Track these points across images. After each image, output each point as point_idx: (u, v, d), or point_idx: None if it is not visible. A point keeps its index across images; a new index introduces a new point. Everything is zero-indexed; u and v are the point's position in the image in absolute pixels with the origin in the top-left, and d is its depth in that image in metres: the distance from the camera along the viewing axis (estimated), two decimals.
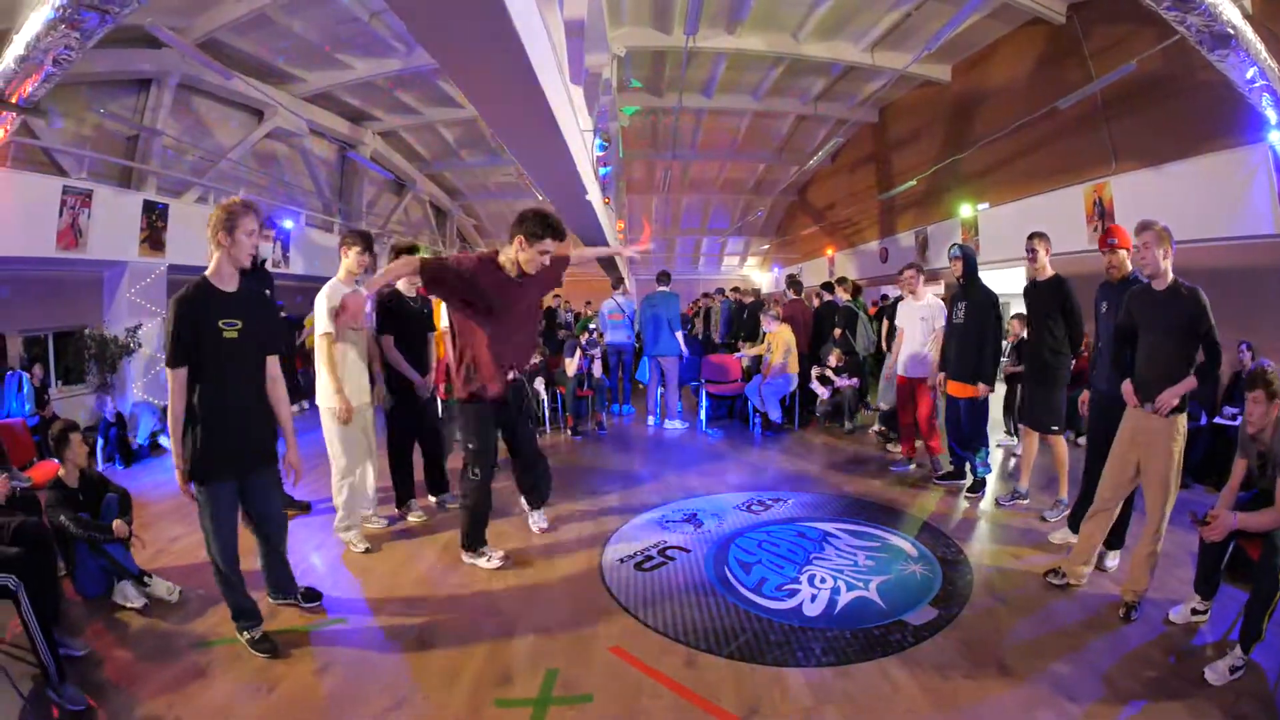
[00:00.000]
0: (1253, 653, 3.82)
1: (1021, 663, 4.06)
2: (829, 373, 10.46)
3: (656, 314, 10.56)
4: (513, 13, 4.11)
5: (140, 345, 10.87)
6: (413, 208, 24.30)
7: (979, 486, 7.21)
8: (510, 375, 5.44)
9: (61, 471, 5.06)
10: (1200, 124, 9.19)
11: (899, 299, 9.65)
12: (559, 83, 6.46)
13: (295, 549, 5.33)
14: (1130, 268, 5.56)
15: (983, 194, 14.61)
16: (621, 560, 5.69)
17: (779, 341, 10.10)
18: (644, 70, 16.03)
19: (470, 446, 5.46)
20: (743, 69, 15.99)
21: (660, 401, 11.05)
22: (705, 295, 18.93)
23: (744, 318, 14.00)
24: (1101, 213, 10.55)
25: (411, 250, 6.72)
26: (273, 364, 4.32)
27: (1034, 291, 6.48)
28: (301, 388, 10.77)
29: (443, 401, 7.63)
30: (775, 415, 10.19)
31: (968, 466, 7.34)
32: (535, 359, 9.58)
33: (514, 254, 5.15)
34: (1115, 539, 5.24)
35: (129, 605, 4.82)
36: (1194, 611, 4.49)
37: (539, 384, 10.12)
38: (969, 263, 7.10)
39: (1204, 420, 8.11)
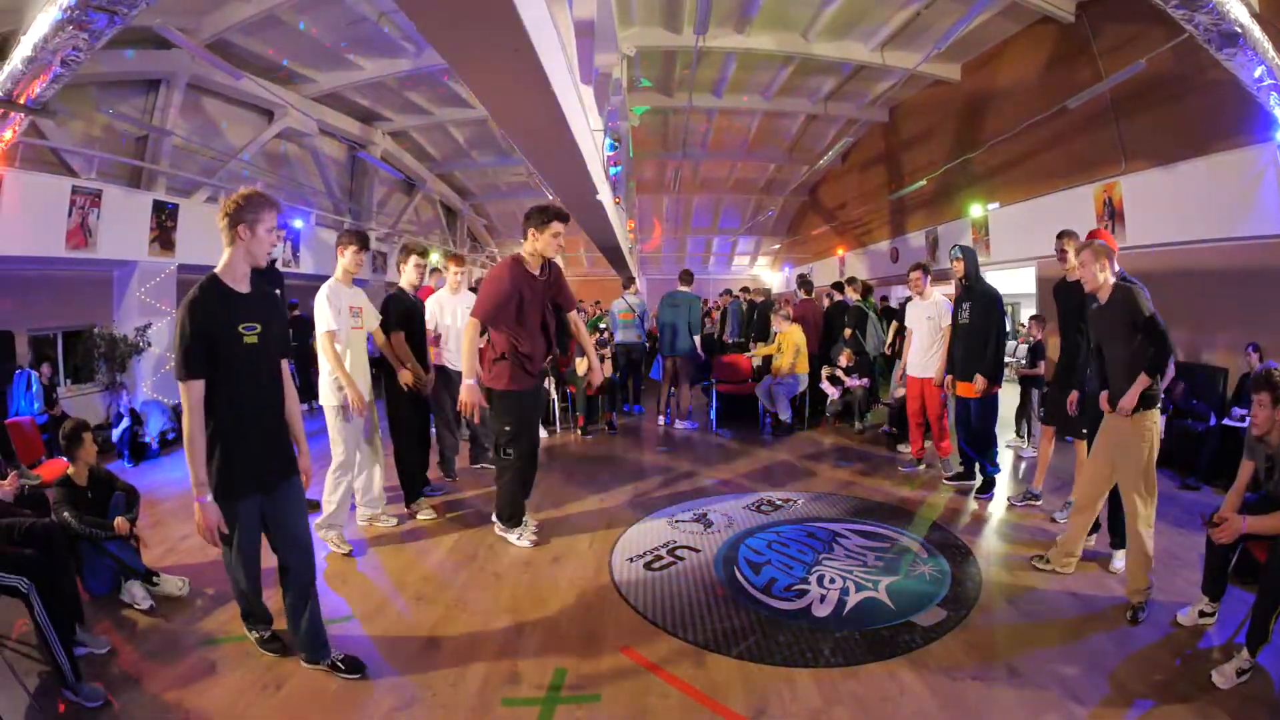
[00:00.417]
0: (1260, 656, 3.81)
1: (1029, 665, 4.05)
2: (839, 373, 10.45)
3: (677, 314, 10.54)
4: (523, 13, 4.12)
5: (150, 344, 10.90)
6: (423, 207, 24.32)
7: (988, 487, 7.19)
8: (537, 368, 5.84)
9: (71, 470, 5.07)
10: (1209, 123, 9.15)
11: (907, 299, 9.65)
12: (569, 83, 6.46)
13: None
14: (1117, 268, 5.58)
15: (993, 194, 14.58)
16: (631, 560, 5.69)
17: (789, 341, 10.08)
18: (654, 70, 16.02)
19: (506, 427, 5.79)
20: (753, 68, 15.95)
21: (671, 401, 11.04)
22: (727, 293, 18.85)
23: (754, 318, 13.99)
24: (1112, 212, 10.52)
25: (424, 253, 6.84)
26: (284, 368, 3.99)
27: (1065, 291, 6.41)
28: (314, 387, 10.81)
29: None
30: (785, 415, 10.18)
31: (977, 467, 7.32)
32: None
33: (531, 247, 5.61)
34: (1122, 540, 5.23)
35: (136, 605, 4.83)
36: (1201, 613, 4.47)
37: (548, 383, 10.13)
38: (970, 262, 7.10)
39: (1213, 421, 8.08)
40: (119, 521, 4.96)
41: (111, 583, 4.97)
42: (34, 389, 8.85)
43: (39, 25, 6.49)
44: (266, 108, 13.96)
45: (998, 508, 6.94)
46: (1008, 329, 7.09)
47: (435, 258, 20.67)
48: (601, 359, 10.87)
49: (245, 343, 3.59)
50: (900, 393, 8.93)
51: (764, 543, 6.01)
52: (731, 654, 4.23)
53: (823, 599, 4.93)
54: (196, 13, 10.18)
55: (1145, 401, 4.73)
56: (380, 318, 6.37)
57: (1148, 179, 10.02)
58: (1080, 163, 11.72)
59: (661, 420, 11.08)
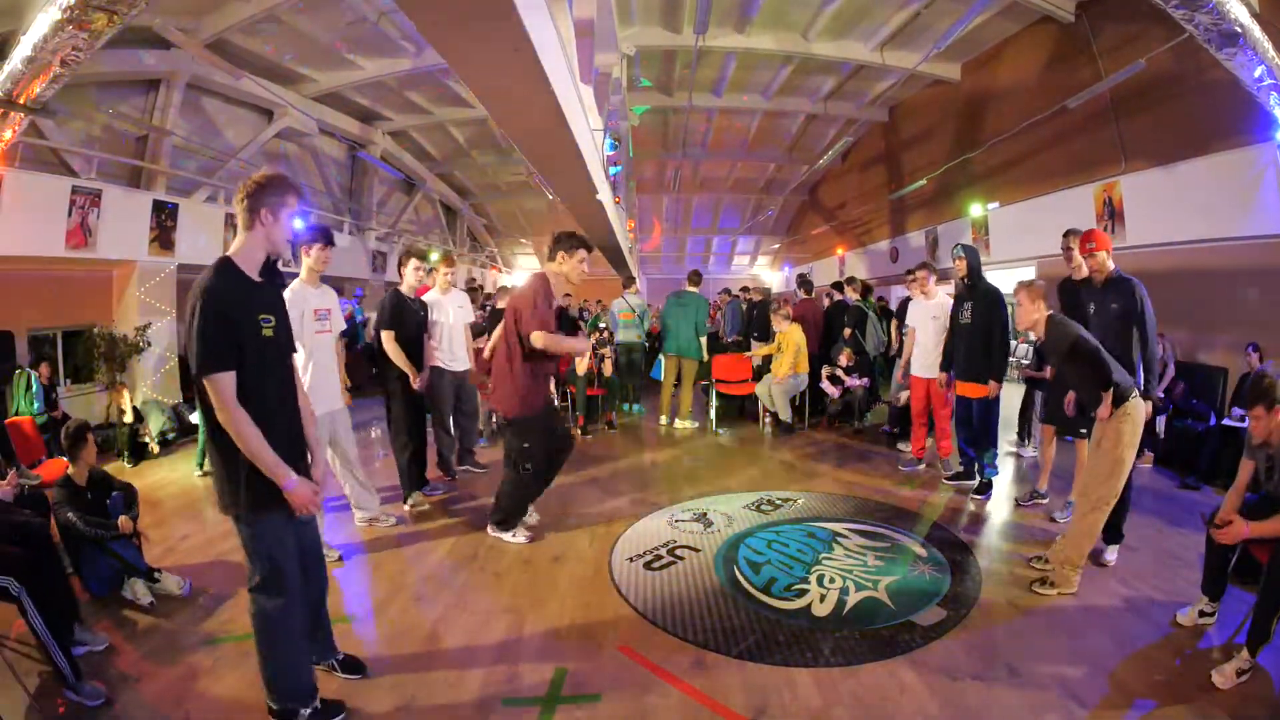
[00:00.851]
0: (1260, 656, 3.81)
1: (1029, 664, 4.05)
2: (839, 372, 10.45)
3: (684, 314, 10.54)
4: (522, 13, 4.12)
5: (149, 344, 10.90)
6: (423, 207, 24.33)
7: (985, 488, 7.17)
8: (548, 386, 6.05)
9: (72, 470, 5.08)
10: (1209, 123, 9.16)
11: (906, 299, 9.65)
12: (569, 82, 6.46)
13: None
14: (1111, 266, 5.62)
15: (993, 193, 14.58)
16: (631, 559, 5.69)
17: (790, 341, 10.08)
18: (654, 70, 16.03)
19: (525, 447, 5.89)
20: (753, 68, 15.97)
21: (673, 401, 11.03)
22: (726, 292, 18.83)
23: (753, 317, 13.97)
24: (1111, 212, 10.52)
25: (423, 257, 6.89)
26: (295, 367, 3.67)
27: (1068, 290, 6.42)
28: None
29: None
30: (785, 415, 10.18)
31: (976, 467, 7.32)
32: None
33: (557, 268, 5.82)
34: (1114, 534, 5.24)
35: (138, 603, 4.84)
36: (1201, 613, 4.47)
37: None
38: (973, 261, 7.09)
39: (1213, 421, 8.09)
40: (123, 520, 4.98)
41: (112, 583, 4.97)
42: (34, 389, 8.85)
43: (39, 25, 6.49)
44: (266, 107, 14.00)
45: (998, 507, 6.94)
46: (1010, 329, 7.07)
47: (435, 257, 20.74)
48: (601, 359, 10.88)
49: (263, 335, 3.31)
50: (905, 395, 8.94)
51: (764, 542, 6.01)
52: (731, 654, 4.23)
53: (823, 598, 4.92)
54: (196, 13, 10.18)
55: (1117, 399, 4.77)
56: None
57: (1148, 179, 10.02)
58: (1080, 162, 11.72)
59: (662, 420, 11.07)
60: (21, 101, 7.18)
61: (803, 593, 5.02)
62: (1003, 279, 7.17)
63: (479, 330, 8.70)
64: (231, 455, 3.22)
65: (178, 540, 6.16)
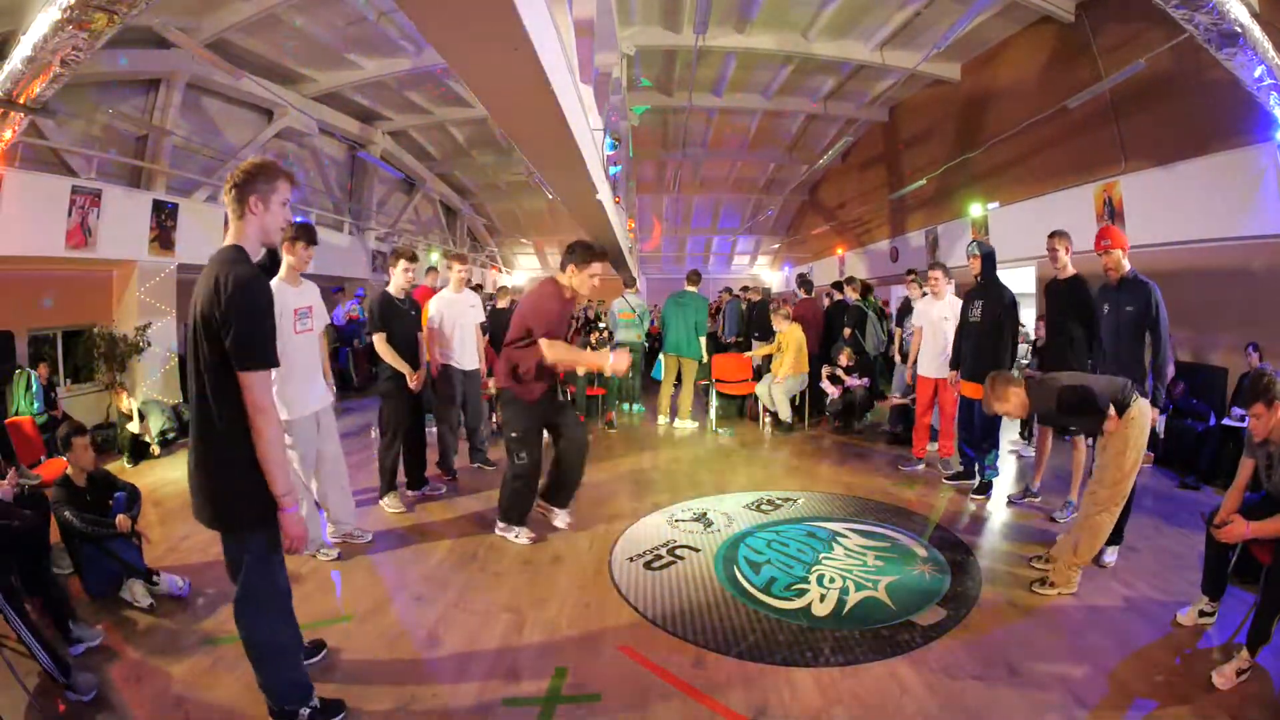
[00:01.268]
0: (1259, 656, 3.81)
1: (1029, 664, 4.06)
2: (839, 372, 10.45)
3: (684, 314, 10.54)
4: (522, 12, 4.11)
5: (149, 344, 10.90)
6: (423, 207, 24.33)
7: (985, 489, 7.17)
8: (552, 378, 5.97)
9: (70, 469, 5.07)
10: (1209, 123, 9.15)
11: (905, 299, 9.66)
12: (569, 82, 6.44)
13: None
14: (1127, 267, 5.58)
15: (993, 193, 14.58)
16: (631, 559, 5.69)
17: (790, 341, 10.08)
18: (654, 69, 16.02)
19: (514, 435, 5.89)
20: (753, 68, 15.96)
21: (672, 401, 11.03)
22: (727, 291, 18.82)
23: (753, 317, 13.98)
24: (1111, 212, 10.52)
25: (412, 258, 6.88)
26: None
27: (1054, 290, 6.47)
28: None
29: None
30: (785, 414, 10.18)
31: (976, 468, 7.31)
32: None
33: (567, 280, 5.78)
34: (1114, 535, 5.23)
35: (137, 604, 4.83)
36: (1201, 613, 4.47)
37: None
38: (988, 261, 7.06)
39: (1212, 421, 8.09)
40: (121, 519, 4.97)
41: (111, 583, 4.96)
42: (34, 389, 8.85)
43: (39, 25, 6.49)
44: (266, 107, 14.01)
45: (997, 507, 6.94)
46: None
47: (435, 257, 20.73)
48: None
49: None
50: (902, 391, 8.95)
51: (764, 542, 6.01)
52: (731, 653, 4.23)
53: (823, 598, 4.93)
54: (196, 12, 10.18)
55: (1119, 409, 4.76)
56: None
57: (1148, 179, 10.02)
58: (1080, 162, 11.72)
59: (661, 420, 11.07)
60: (21, 101, 7.18)
61: (803, 592, 5.02)
62: (1003, 279, 7.15)
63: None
64: (244, 464, 3.09)
65: (178, 540, 6.15)
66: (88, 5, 6.29)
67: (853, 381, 10.31)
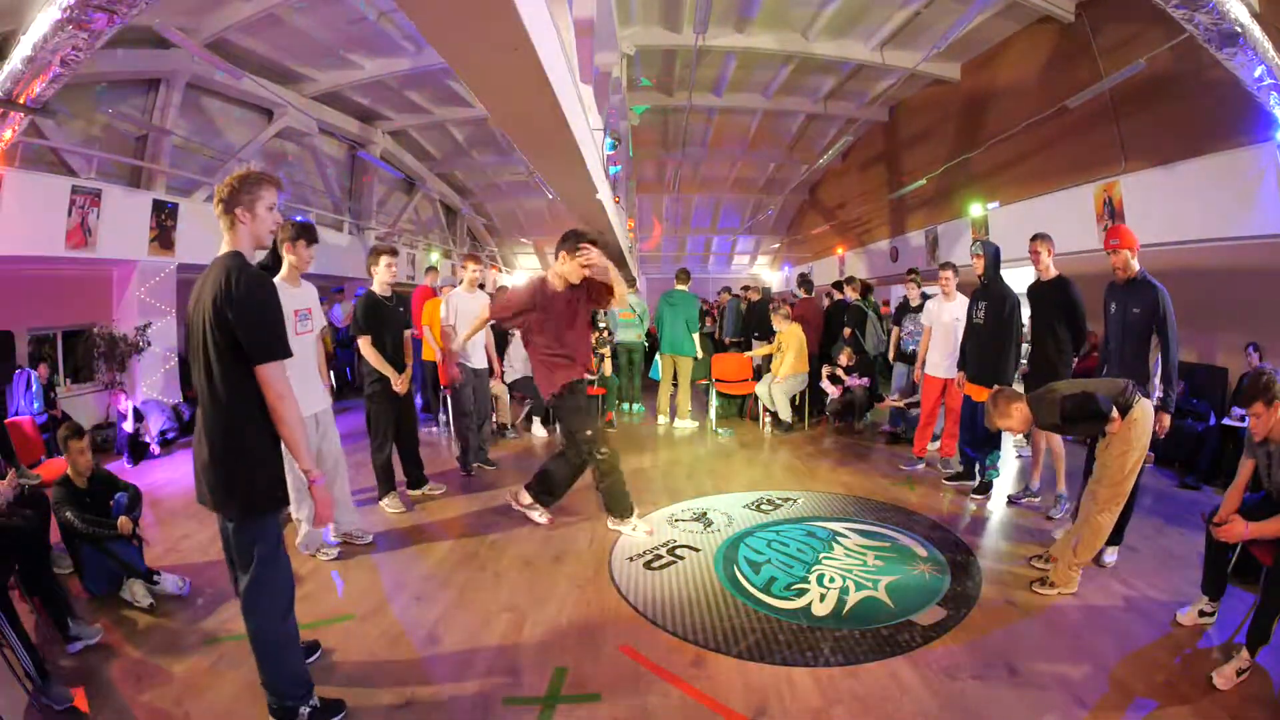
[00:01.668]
0: (1259, 656, 3.81)
1: (1030, 664, 4.06)
2: (839, 372, 10.44)
3: (675, 313, 10.54)
4: (522, 12, 4.12)
5: (149, 344, 10.90)
6: (423, 207, 24.31)
7: (985, 489, 7.18)
8: (573, 368, 6.04)
9: (70, 470, 5.08)
10: (1209, 123, 9.13)
11: (904, 299, 9.66)
12: (569, 82, 6.46)
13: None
14: (1136, 268, 5.57)
15: (993, 193, 14.55)
16: (631, 559, 5.70)
17: (790, 340, 10.08)
18: (654, 69, 16.01)
19: (587, 434, 6.02)
20: (753, 67, 15.94)
21: (671, 401, 11.03)
22: (726, 291, 18.82)
23: (752, 317, 13.97)
24: (1111, 212, 10.50)
25: (393, 252, 6.83)
26: None
27: (1038, 291, 6.53)
28: None
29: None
30: (785, 414, 10.18)
31: (977, 468, 7.31)
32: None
33: (559, 269, 5.88)
34: (1114, 535, 5.23)
35: (137, 604, 4.83)
36: (1201, 613, 4.48)
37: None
38: (992, 260, 7.05)
39: (1212, 421, 8.09)
40: (122, 521, 4.98)
41: (111, 583, 4.97)
42: (33, 389, 8.85)
43: (38, 25, 6.48)
44: (266, 107, 13.98)
45: (997, 507, 6.95)
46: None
47: (435, 257, 20.72)
48: (601, 358, 10.88)
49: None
50: (902, 390, 8.95)
51: (764, 542, 6.02)
52: (731, 653, 4.23)
53: (823, 598, 4.93)
54: (196, 12, 10.18)
55: (1122, 411, 4.75)
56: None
57: (1147, 178, 9.99)
58: (1080, 162, 11.69)
59: (661, 419, 11.08)
60: (21, 101, 7.18)
61: (803, 592, 5.03)
62: (1003, 278, 7.15)
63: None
64: (258, 453, 3.32)
65: (178, 540, 6.16)
66: (87, 5, 6.29)
67: (853, 381, 10.31)
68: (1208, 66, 8.34)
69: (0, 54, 6.95)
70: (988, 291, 7.01)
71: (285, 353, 3.29)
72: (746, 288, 17.59)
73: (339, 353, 14.82)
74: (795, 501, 7.11)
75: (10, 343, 9.48)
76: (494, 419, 9.85)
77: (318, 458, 5.54)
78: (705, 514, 6.77)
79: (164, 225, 10.99)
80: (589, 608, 4.88)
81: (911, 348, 9.24)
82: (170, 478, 8.25)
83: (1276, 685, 3.77)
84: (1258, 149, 8.26)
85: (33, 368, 9.16)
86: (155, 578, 4.97)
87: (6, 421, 7.98)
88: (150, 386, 10.91)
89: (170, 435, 9.85)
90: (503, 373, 9.84)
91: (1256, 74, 7.59)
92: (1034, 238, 6.38)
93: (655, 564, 5.59)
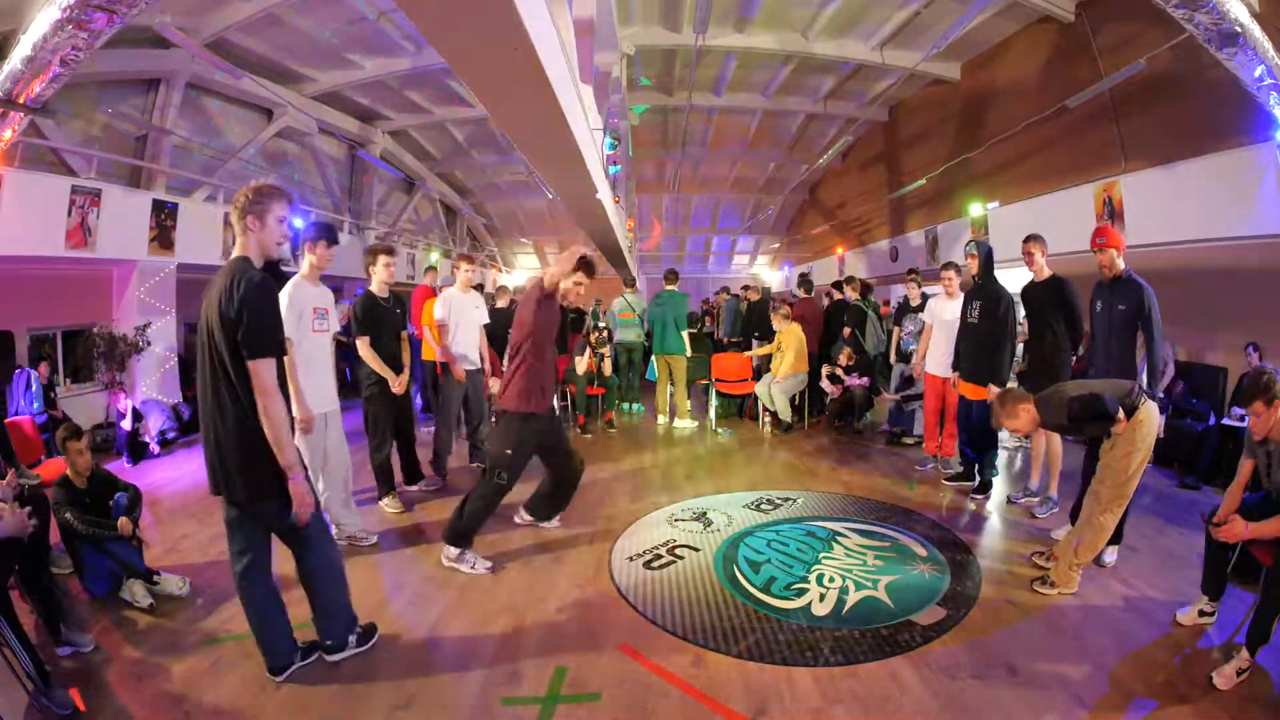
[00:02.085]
0: (1259, 656, 3.81)
1: (1029, 663, 4.06)
2: (839, 371, 10.44)
3: (665, 313, 10.54)
4: (522, 12, 4.11)
5: (149, 343, 10.89)
6: (422, 206, 24.31)
7: (985, 488, 7.18)
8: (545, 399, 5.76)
9: (69, 470, 5.07)
10: (1209, 123, 9.13)
11: (904, 298, 9.66)
12: (569, 82, 6.44)
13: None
14: (1121, 266, 5.60)
15: (993, 193, 14.55)
16: (631, 559, 5.70)
17: (789, 340, 10.08)
18: (654, 69, 16.00)
19: (507, 453, 5.49)
20: (753, 67, 15.94)
21: (669, 401, 11.03)
22: (724, 291, 18.82)
23: (752, 316, 13.96)
24: (1111, 212, 10.50)
25: (390, 251, 6.94)
26: None
27: (1032, 292, 6.56)
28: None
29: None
30: (785, 414, 10.18)
31: (976, 467, 7.31)
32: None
33: (567, 282, 5.68)
34: (1114, 534, 5.23)
35: (137, 604, 4.83)
36: (1201, 612, 4.48)
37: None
38: (986, 260, 7.06)
39: (1212, 421, 8.09)
40: (122, 521, 4.98)
41: (111, 584, 4.97)
42: (33, 388, 8.85)
43: (38, 24, 6.49)
44: (266, 107, 13.98)
45: (997, 506, 6.95)
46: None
47: (435, 257, 20.71)
48: (600, 358, 10.88)
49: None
50: (901, 388, 8.96)
51: (763, 542, 6.02)
52: (731, 653, 4.24)
53: (822, 598, 4.93)
54: (196, 12, 10.17)
55: (1127, 412, 4.76)
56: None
57: (1147, 178, 9.99)
58: (1080, 162, 11.69)
59: (660, 419, 11.07)
60: (21, 101, 7.18)
61: (802, 592, 5.03)
62: (1003, 278, 7.15)
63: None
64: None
65: (178, 540, 6.16)
66: (87, 5, 6.28)
67: (852, 381, 10.31)
68: (1207, 66, 8.34)
69: (0, 53, 6.95)
70: (982, 291, 7.01)
71: (276, 351, 3.51)
72: (746, 287, 17.58)
73: (338, 353, 14.79)
74: (795, 501, 7.11)
75: (10, 342, 9.48)
76: (493, 420, 9.87)
77: (323, 456, 5.58)
78: (705, 514, 6.77)
79: (164, 225, 10.99)
80: (589, 608, 4.89)
81: (911, 347, 9.23)
82: (170, 478, 8.25)
83: (1277, 685, 3.77)
84: (1257, 149, 8.26)
85: (33, 367, 9.16)
86: (155, 578, 4.97)
87: (6, 421, 7.98)
88: (150, 386, 10.92)
89: (170, 435, 9.85)
90: (503, 373, 9.84)
91: (1256, 74, 7.59)
92: (1027, 239, 6.40)
93: (655, 564, 5.59)
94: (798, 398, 10.60)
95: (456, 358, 7.62)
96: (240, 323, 3.39)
